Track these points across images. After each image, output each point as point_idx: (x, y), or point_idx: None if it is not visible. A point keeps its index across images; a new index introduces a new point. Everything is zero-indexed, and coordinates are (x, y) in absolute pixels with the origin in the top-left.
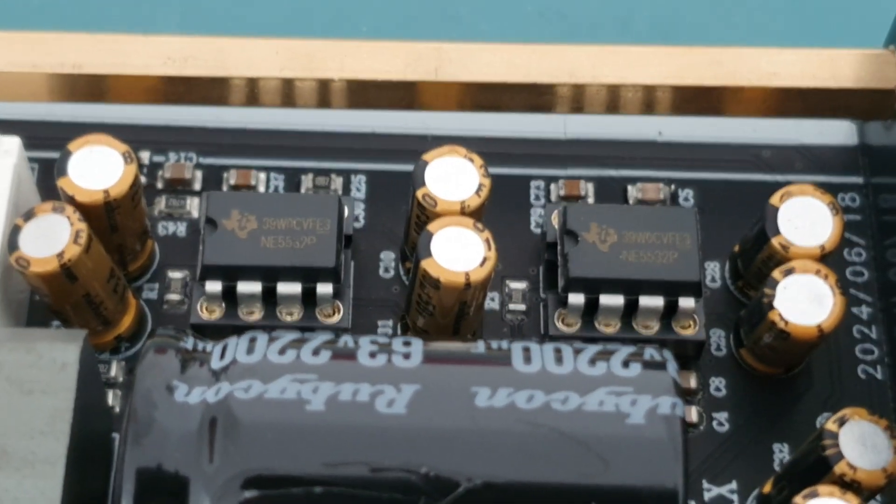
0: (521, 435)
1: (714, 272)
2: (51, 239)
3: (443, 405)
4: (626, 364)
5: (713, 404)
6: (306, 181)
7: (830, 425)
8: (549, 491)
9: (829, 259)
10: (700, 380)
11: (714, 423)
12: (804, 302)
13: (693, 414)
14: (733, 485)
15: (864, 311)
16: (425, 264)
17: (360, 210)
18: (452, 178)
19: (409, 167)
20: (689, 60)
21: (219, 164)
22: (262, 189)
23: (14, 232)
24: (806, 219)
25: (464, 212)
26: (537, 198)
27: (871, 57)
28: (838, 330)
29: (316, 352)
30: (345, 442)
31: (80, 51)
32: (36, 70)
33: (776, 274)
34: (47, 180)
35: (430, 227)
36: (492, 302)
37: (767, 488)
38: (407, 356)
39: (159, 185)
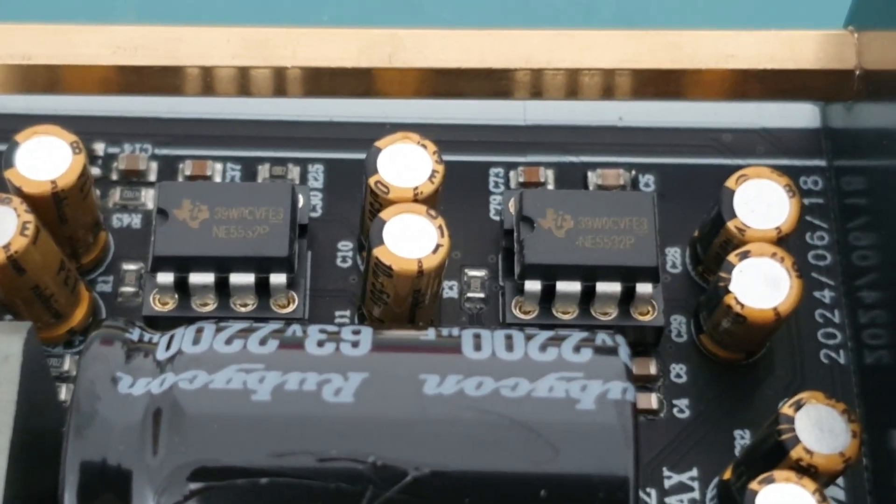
0: (470, 422)
1: (675, 258)
2: None
3: (391, 393)
4: (577, 349)
5: (673, 391)
6: (263, 171)
7: (787, 409)
8: (498, 478)
9: (791, 242)
10: (660, 366)
11: (674, 410)
12: (760, 285)
13: (653, 401)
14: (694, 472)
15: (827, 295)
16: (377, 252)
17: (317, 199)
18: (405, 165)
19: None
20: (647, 44)
21: (174, 154)
22: (218, 179)
23: None
24: (762, 201)
25: (417, 199)
26: (497, 185)
27: (831, 38)
28: (800, 314)
29: (263, 341)
30: (291, 432)
31: (30, 41)
32: None
33: (732, 258)
34: None
35: (383, 214)
36: (450, 290)
37: (727, 475)
38: (355, 344)
39: (114, 176)
